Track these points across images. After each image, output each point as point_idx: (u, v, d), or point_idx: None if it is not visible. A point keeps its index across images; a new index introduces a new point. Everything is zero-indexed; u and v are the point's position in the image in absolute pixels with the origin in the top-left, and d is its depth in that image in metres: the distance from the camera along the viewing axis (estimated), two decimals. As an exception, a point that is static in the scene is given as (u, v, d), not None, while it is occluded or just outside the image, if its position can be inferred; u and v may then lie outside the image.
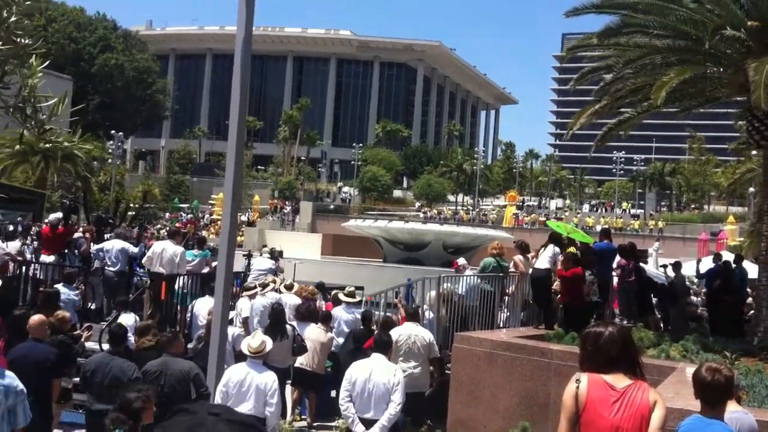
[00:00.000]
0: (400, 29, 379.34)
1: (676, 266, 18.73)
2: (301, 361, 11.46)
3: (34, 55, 5.49)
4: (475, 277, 13.96)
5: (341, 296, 13.89)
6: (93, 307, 15.57)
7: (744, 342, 12.01)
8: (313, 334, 11.54)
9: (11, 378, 6.42)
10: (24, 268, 14.70)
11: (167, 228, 26.12)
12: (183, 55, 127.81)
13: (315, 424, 11.72)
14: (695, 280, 22.87)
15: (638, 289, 15.29)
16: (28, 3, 5.84)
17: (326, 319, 12.20)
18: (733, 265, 16.75)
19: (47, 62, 5.89)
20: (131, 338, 10.86)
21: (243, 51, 8.34)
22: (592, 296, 12.94)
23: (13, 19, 5.34)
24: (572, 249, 13.98)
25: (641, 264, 16.48)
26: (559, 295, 13.00)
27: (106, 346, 10.46)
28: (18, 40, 5.56)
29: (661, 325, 15.85)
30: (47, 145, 38.54)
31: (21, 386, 6.40)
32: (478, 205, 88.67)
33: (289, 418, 11.47)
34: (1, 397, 6.21)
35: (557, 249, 13.22)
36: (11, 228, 21.95)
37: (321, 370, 11.76)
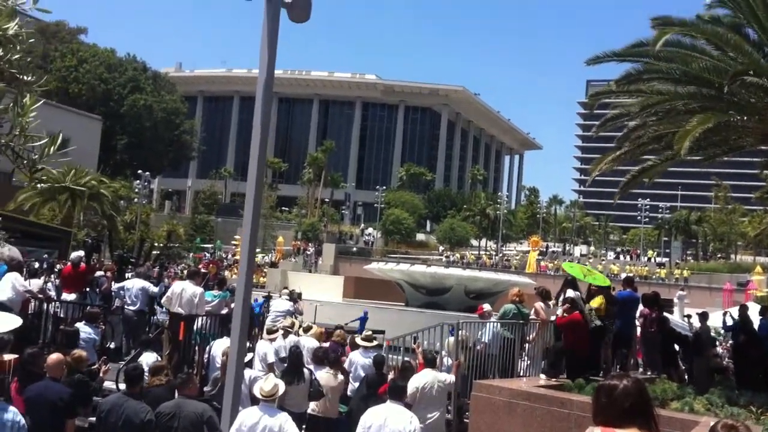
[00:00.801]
0: (425, 74, 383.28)
1: (703, 317, 18.42)
2: (312, 407, 11.33)
3: (28, 94, 5.57)
4: (498, 324, 13.78)
5: (359, 341, 13.78)
6: (112, 346, 15.58)
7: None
8: (323, 378, 11.43)
9: (14, 413, 6.44)
10: (45, 305, 14.79)
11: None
12: (211, 97, 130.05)
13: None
14: (721, 332, 22.46)
15: (662, 340, 15.05)
16: (31, 41, 5.94)
17: (336, 363, 12.09)
18: (759, 317, 16.46)
19: (41, 101, 5.95)
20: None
21: (264, 90, 8.46)
22: (594, 321, 12.81)
23: (15, 56, 5.44)
24: (600, 299, 13.67)
25: (665, 314, 16.25)
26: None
27: (122, 386, 10.45)
28: (20, 77, 5.66)
29: (686, 377, 15.55)
30: (74, 185, 39.12)
31: (23, 422, 6.42)
32: (501, 250, 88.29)
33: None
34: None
35: (576, 293, 13.08)
36: (36, 265, 22.17)
37: (334, 414, 11.61)
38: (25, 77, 5.75)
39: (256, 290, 28.50)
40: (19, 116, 5.36)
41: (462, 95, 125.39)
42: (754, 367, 14.86)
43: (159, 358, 11.56)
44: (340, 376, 11.83)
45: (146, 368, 11.09)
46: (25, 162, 5.65)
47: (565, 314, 12.50)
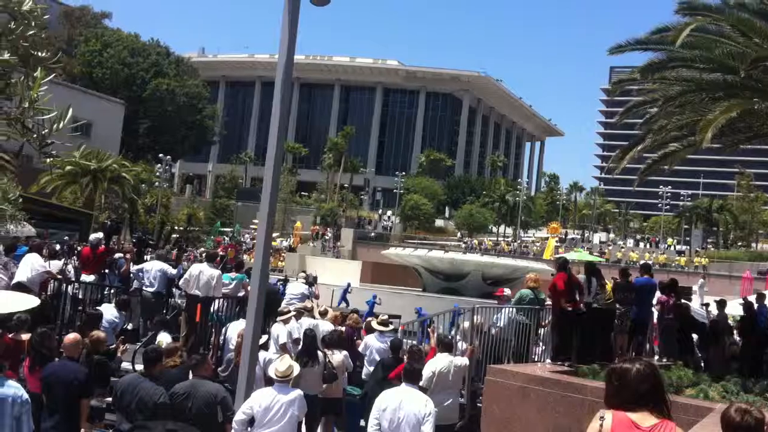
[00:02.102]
0: (446, 60, 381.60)
1: (720, 304, 18.28)
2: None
3: (39, 68, 5.56)
4: (514, 310, 13.76)
5: (374, 324, 13.80)
6: (130, 327, 15.71)
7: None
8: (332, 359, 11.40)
9: (16, 388, 6.51)
10: (64, 286, 14.93)
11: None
12: (233, 82, 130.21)
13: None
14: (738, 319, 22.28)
15: (679, 327, 14.96)
16: (46, 17, 5.94)
17: (351, 346, 12.11)
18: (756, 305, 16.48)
19: (52, 75, 5.94)
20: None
21: (284, 74, 8.45)
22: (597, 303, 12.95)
23: (30, 32, 5.43)
24: (609, 283, 13.80)
25: (684, 301, 16.16)
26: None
27: (139, 367, 10.55)
28: (34, 52, 5.65)
29: (702, 364, 15.47)
30: (96, 166, 39.47)
31: (26, 396, 6.49)
32: (519, 236, 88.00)
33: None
34: (8, 407, 6.29)
35: (594, 280, 13.08)
36: (57, 247, 22.39)
37: (337, 393, 11.55)
38: (39, 53, 5.75)
39: (273, 274, 28.61)
40: (29, 90, 5.36)
41: (484, 81, 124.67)
42: (749, 353, 15.02)
43: (172, 340, 11.64)
44: (343, 352, 11.77)
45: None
46: (34, 136, 5.66)
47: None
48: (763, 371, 14.10)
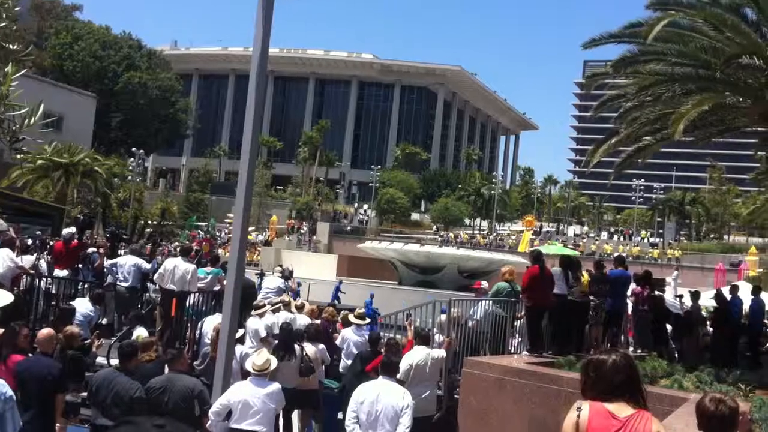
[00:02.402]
0: (421, 53, 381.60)
1: (695, 296, 18.51)
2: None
3: (11, 63, 5.46)
4: (491, 303, 13.82)
5: (351, 318, 13.80)
6: (104, 322, 15.58)
7: (759, 374, 11.80)
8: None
9: (1, 385, 6.42)
10: (36, 281, 14.76)
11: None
12: (206, 75, 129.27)
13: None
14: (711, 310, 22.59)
15: (653, 319, 15.12)
16: (17, 9, 5.85)
17: (328, 340, 12.10)
18: (751, 297, 16.63)
19: (24, 70, 5.87)
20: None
21: (258, 67, 8.40)
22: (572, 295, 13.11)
23: (1, 25, 5.34)
24: (586, 275, 13.93)
25: (659, 293, 16.33)
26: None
27: (114, 362, 10.46)
28: (5, 45, 5.56)
29: (676, 355, 15.65)
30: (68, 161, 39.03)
31: (10, 392, 6.39)
32: (495, 229, 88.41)
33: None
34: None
35: (570, 272, 13.19)
36: (29, 242, 22.10)
37: (314, 386, 11.51)
38: (10, 45, 5.65)
39: (249, 268, 28.51)
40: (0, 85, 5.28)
41: (458, 75, 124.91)
42: (721, 344, 15.29)
43: (148, 335, 11.56)
44: (320, 345, 11.75)
45: (137, 343, 11.13)
46: (5, 132, 5.57)
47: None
48: (736, 361, 14.31)
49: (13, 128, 5.52)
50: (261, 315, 12.48)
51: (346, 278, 40.50)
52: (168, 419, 1.40)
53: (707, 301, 21.56)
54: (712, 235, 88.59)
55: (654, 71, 14.62)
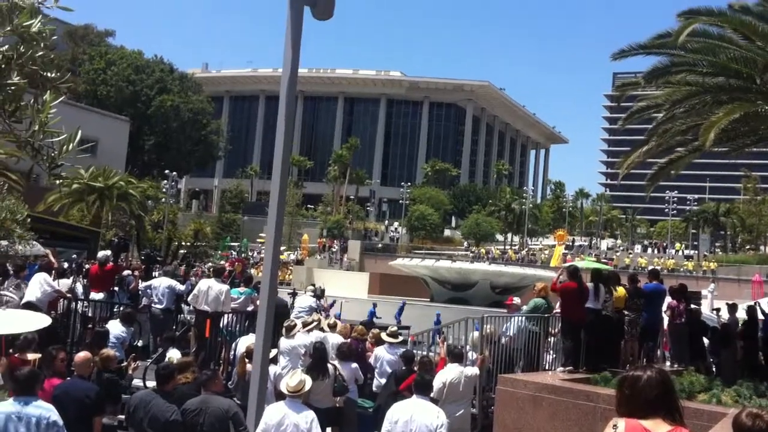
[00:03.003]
0: (449, 70, 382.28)
1: (732, 308, 18.22)
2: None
3: (48, 90, 5.60)
4: (524, 319, 13.73)
5: (384, 336, 13.77)
6: (140, 344, 15.74)
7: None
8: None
9: (45, 409, 6.51)
10: (73, 304, 14.96)
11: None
12: (237, 97, 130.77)
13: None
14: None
15: (690, 332, 14.91)
16: (54, 38, 5.98)
17: (361, 358, 12.08)
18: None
19: (62, 97, 5.99)
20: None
21: (288, 87, 8.48)
22: (607, 309, 13.02)
23: (39, 53, 5.48)
24: (621, 289, 13.78)
25: (695, 306, 16.12)
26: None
27: (150, 383, 10.54)
28: (43, 73, 5.69)
29: (713, 369, 15.39)
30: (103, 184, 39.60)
31: (54, 417, 6.49)
32: (526, 244, 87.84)
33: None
34: (33, 428, 6.32)
35: (602, 287, 13.08)
36: (66, 265, 22.43)
37: (329, 403, 11.39)
38: (48, 74, 5.78)
39: (281, 287, 28.62)
40: (39, 113, 5.40)
41: (487, 90, 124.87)
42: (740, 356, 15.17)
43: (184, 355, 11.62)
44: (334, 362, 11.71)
45: (171, 365, 11.21)
46: (44, 158, 5.69)
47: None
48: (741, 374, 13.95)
49: (52, 155, 5.64)
50: (293, 335, 12.52)
51: (378, 296, 40.53)
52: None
53: (744, 314, 21.21)
54: (747, 247, 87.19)
55: (685, 81, 14.51)
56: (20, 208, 10.57)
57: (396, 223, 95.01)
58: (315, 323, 13.89)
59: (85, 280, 18.21)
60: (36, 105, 5.44)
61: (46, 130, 5.45)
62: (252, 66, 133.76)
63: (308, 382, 8.59)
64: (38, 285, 13.70)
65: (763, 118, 14.76)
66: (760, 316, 17.01)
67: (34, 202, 33.15)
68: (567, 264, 13.53)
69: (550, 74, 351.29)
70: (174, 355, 11.73)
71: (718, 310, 19.35)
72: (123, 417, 8.90)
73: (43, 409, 6.57)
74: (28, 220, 11.20)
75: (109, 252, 17.46)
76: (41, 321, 9.79)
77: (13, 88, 5.44)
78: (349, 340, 13.78)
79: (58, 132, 5.55)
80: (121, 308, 15.53)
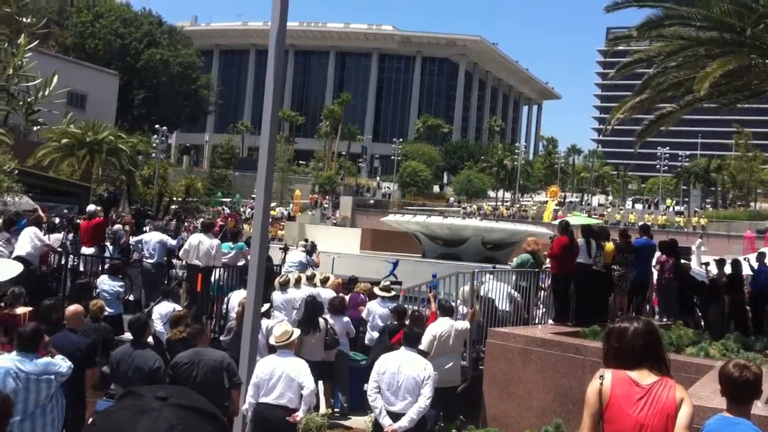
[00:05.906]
0: (442, 24, 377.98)
1: (720, 263, 18.34)
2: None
3: (23, 34, 5.48)
4: (509, 286, 13.70)
5: (376, 290, 13.85)
6: (131, 298, 15.78)
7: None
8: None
9: (59, 359, 6.66)
10: (64, 259, 14.95)
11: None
12: (227, 51, 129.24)
13: (348, 415, 11.71)
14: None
15: (679, 287, 15.02)
16: (33, -16, 5.87)
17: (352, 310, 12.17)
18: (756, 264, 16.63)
19: (37, 41, 5.88)
20: (158, 326, 11.05)
21: (277, 40, 8.38)
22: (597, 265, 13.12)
23: None
24: (610, 245, 13.86)
25: (684, 261, 16.22)
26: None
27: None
28: (19, 18, 5.57)
29: (702, 323, 15.56)
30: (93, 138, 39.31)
31: (64, 369, 6.63)
32: (518, 200, 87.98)
33: (322, 411, 11.45)
34: (53, 379, 6.46)
35: (593, 242, 13.15)
36: (57, 220, 22.37)
37: (321, 357, 11.48)
38: (24, 19, 5.65)
39: (273, 243, 28.64)
40: (13, 56, 5.29)
41: (480, 45, 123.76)
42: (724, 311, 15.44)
43: (175, 309, 11.65)
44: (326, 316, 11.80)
45: (158, 317, 11.31)
46: (20, 104, 5.59)
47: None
48: (763, 328, 14.19)
49: (29, 99, 5.53)
50: (285, 290, 12.58)
51: (370, 251, 40.57)
52: (174, 389, 1.39)
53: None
54: (738, 203, 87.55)
55: (678, 35, 14.41)
56: (8, 160, 10.51)
57: (386, 182, 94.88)
58: (306, 277, 13.95)
59: (72, 235, 18.16)
60: (10, 49, 5.33)
61: (20, 74, 5.35)
62: (242, 19, 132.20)
63: (295, 332, 8.64)
64: (28, 239, 13.65)
65: (756, 72, 14.71)
66: (748, 271, 17.13)
67: (24, 156, 32.93)
68: (559, 220, 13.53)
69: (543, 30, 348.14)
70: (161, 309, 11.75)
71: (707, 264, 19.48)
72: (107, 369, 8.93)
73: (42, 365, 6.63)
74: (16, 172, 11.13)
75: (97, 206, 17.38)
76: (12, 269, 9.79)
77: None
78: (341, 294, 13.86)
79: (33, 76, 5.45)
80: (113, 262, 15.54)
